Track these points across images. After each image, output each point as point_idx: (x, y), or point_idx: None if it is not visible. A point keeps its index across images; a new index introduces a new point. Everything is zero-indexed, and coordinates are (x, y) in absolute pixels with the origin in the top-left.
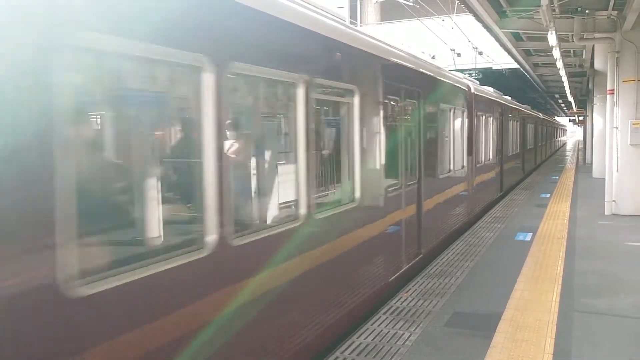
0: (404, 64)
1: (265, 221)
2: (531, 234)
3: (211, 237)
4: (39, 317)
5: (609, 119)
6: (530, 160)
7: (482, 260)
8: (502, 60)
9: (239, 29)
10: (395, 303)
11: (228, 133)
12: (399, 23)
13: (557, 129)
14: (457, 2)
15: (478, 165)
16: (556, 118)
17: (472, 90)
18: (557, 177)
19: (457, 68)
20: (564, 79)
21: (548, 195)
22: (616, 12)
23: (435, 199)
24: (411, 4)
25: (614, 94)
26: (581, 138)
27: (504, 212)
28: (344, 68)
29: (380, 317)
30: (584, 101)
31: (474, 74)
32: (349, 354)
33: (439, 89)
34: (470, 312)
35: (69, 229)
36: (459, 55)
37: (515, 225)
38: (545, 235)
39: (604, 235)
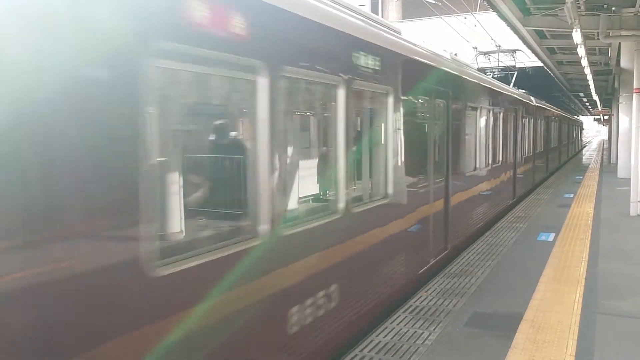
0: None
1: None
2: (554, 234)
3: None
4: None
5: (635, 118)
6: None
7: (503, 260)
8: (525, 59)
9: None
10: (414, 302)
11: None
12: (420, 21)
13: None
14: None
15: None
16: (579, 117)
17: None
18: (581, 177)
19: (480, 66)
20: (589, 77)
21: (571, 196)
22: None
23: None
24: (433, 2)
25: None
26: (606, 138)
27: (526, 211)
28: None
29: (399, 315)
30: (609, 100)
31: (496, 72)
32: (368, 352)
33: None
34: (491, 312)
35: None
36: (481, 53)
37: (538, 225)
38: (568, 236)
39: (628, 236)
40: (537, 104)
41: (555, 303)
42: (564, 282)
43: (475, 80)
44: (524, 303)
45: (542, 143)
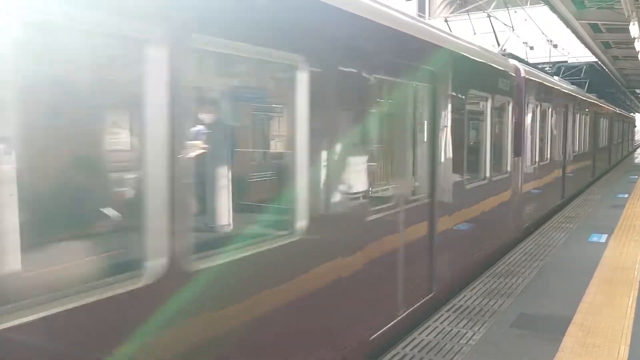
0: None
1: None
2: (606, 235)
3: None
4: None
5: None
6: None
7: (552, 261)
8: (578, 53)
9: None
10: (459, 301)
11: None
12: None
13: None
14: None
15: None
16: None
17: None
18: (636, 177)
19: (530, 62)
20: None
21: (626, 196)
22: None
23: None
24: None
25: None
26: None
27: (576, 212)
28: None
29: (443, 314)
30: None
31: (547, 68)
32: (410, 350)
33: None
34: (538, 314)
35: None
36: (531, 48)
37: (589, 226)
38: (622, 237)
39: None
40: (527, 76)
41: (607, 306)
42: (616, 285)
43: None
44: (574, 305)
45: (551, 147)
